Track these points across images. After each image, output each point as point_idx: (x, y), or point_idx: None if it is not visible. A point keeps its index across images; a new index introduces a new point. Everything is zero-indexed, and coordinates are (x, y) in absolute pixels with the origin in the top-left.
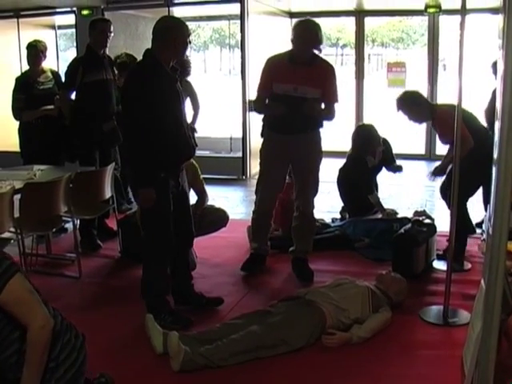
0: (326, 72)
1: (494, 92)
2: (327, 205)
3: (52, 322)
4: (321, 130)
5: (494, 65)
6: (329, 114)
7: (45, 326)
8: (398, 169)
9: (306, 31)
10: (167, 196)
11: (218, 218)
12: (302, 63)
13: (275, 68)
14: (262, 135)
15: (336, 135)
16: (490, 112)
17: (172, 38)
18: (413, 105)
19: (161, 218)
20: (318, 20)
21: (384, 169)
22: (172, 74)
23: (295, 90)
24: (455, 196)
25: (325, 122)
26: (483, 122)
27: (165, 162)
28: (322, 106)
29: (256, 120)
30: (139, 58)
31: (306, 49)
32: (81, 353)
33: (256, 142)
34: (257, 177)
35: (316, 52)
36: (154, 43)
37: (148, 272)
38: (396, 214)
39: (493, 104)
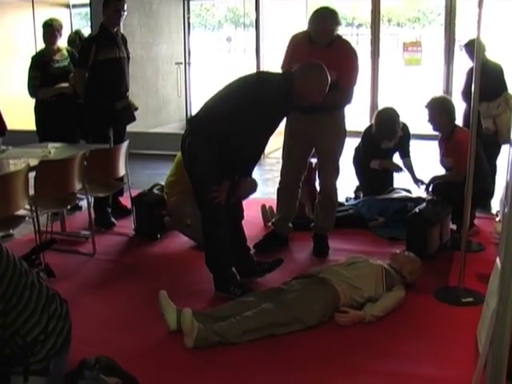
0: (344, 53)
1: (469, 73)
2: (342, 184)
3: None
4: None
5: (467, 45)
6: (344, 99)
7: None
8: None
9: (321, 22)
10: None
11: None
12: (320, 44)
13: (296, 47)
14: None
15: (351, 115)
16: (467, 93)
17: None
18: (443, 112)
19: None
20: None
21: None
22: None
23: None
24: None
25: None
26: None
27: None
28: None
29: None
30: (152, 35)
31: (323, 37)
32: (67, 321)
33: None
34: (271, 155)
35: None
36: None
37: (211, 249)
38: (410, 191)
39: (468, 85)
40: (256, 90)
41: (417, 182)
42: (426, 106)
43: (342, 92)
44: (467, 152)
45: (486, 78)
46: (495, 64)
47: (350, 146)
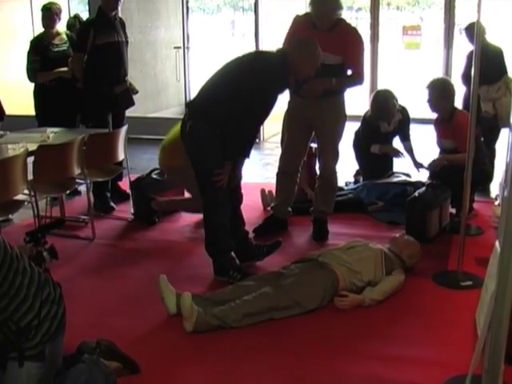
0: (348, 37)
1: (469, 56)
2: (341, 168)
3: None
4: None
5: (467, 29)
6: (355, 81)
7: None
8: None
9: (321, 5)
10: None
11: None
12: (324, 30)
13: (298, 29)
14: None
15: (351, 99)
16: (467, 76)
17: None
18: (443, 94)
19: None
20: None
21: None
22: None
23: None
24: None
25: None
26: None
27: None
28: (349, 72)
29: None
30: (150, 19)
31: (323, 20)
32: (60, 305)
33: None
34: (270, 140)
35: (341, 16)
36: None
37: (211, 233)
38: (409, 175)
39: (468, 68)
40: (253, 69)
41: (417, 165)
42: (427, 87)
43: (354, 77)
44: (465, 132)
45: (486, 61)
46: (495, 47)
47: (350, 130)
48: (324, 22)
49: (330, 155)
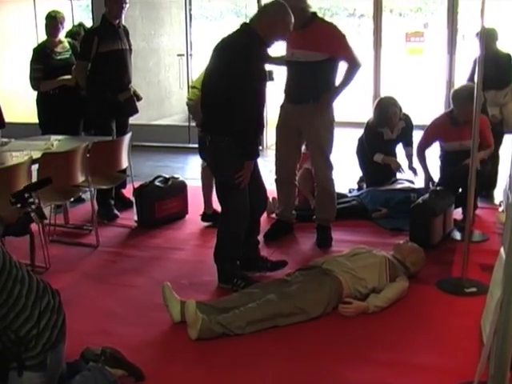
0: (327, 31)
1: (475, 61)
2: (345, 175)
3: None
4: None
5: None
6: (354, 69)
7: None
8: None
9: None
10: None
11: None
12: (297, 27)
13: None
14: None
15: (354, 105)
16: (472, 81)
17: None
18: (469, 102)
19: (243, 190)
20: None
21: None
22: None
23: (292, 55)
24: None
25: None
26: None
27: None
28: (344, 64)
29: (271, 90)
30: (154, 26)
31: (295, 14)
32: (60, 313)
33: (271, 112)
34: (273, 147)
35: (314, 13)
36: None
37: (225, 241)
38: (413, 182)
39: (473, 73)
40: (229, 56)
41: (410, 168)
42: (455, 95)
43: (351, 67)
44: (487, 127)
45: (495, 66)
46: (504, 54)
47: (354, 136)
48: (296, 16)
49: (321, 162)
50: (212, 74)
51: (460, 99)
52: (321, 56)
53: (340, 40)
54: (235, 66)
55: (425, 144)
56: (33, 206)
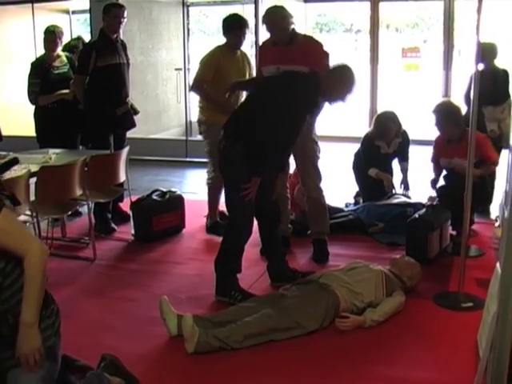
0: (308, 47)
1: (471, 77)
2: (342, 189)
3: (47, 251)
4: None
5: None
6: None
7: (43, 251)
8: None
9: (270, 16)
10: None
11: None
12: (282, 44)
13: (262, 52)
14: None
15: (351, 121)
16: (469, 96)
17: None
18: (450, 119)
19: (248, 202)
20: (332, 4)
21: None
22: None
23: (278, 70)
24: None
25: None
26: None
27: None
28: None
29: None
30: (152, 41)
31: (278, 31)
32: (58, 316)
33: None
34: None
35: (297, 31)
36: None
37: (227, 253)
38: (409, 197)
39: (470, 89)
40: (287, 91)
41: (403, 183)
42: (433, 112)
43: None
44: (487, 143)
45: (494, 83)
46: (502, 70)
47: (350, 151)
48: (279, 33)
49: (310, 174)
50: (262, 90)
51: (439, 119)
52: (306, 70)
53: (318, 54)
54: (292, 92)
55: (433, 157)
56: (5, 193)
